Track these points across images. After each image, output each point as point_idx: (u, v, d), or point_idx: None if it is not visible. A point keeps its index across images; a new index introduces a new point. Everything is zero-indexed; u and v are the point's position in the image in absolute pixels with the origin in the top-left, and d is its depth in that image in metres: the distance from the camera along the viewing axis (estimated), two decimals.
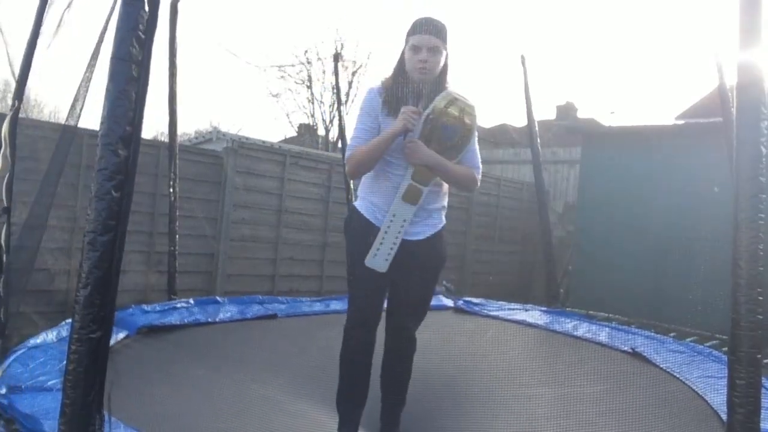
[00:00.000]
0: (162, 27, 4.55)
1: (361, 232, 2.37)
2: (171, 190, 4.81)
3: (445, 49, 2.36)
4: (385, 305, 2.50)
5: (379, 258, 2.29)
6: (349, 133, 6.03)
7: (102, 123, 1.35)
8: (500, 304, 5.32)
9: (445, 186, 2.46)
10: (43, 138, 4.70)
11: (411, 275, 2.37)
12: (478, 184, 2.46)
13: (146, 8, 1.35)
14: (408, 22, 2.39)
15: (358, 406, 2.40)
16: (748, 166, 1.60)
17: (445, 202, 2.50)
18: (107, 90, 1.35)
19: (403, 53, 2.39)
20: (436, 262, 2.48)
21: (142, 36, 1.35)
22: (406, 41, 2.36)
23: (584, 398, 2.95)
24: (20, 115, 3.75)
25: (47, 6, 2.71)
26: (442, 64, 2.36)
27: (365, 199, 2.43)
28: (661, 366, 3.55)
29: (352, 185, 5.43)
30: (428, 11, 2.37)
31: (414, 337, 2.52)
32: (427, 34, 2.30)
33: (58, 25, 2.86)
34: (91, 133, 4.82)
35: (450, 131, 2.30)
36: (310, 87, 15.57)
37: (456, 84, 2.42)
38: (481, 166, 2.46)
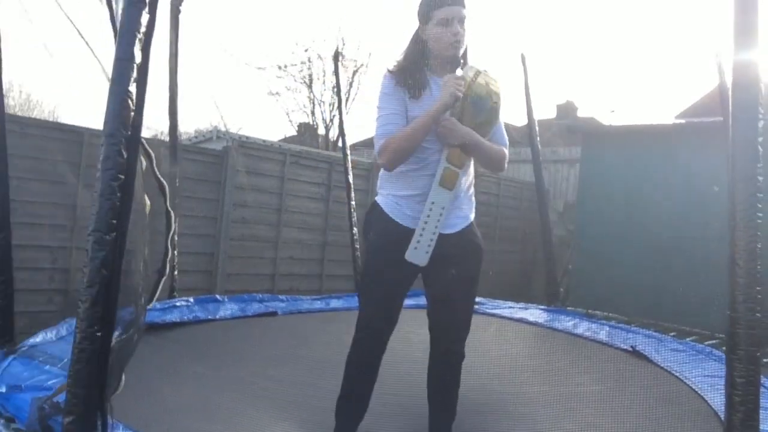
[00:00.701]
0: (164, 28, 4.57)
1: (381, 230, 2.21)
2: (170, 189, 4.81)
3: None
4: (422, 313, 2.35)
5: (420, 251, 2.12)
6: (349, 133, 6.04)
7: (106, 123, 1.36)
8: (500, 303, 5.33)
9: (471, 173, 2.29)
10: (42, 137, 4.71)
11: (449, 273, 2.18)
12: (507, 162, 2.31)
13: (147, 9, 1.36)
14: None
15: (356, 420, 2.27)
16: (745, 166, 1.61)
17: (473, 190, 2.34)
18: (110, 90, 1.37)
19: (416, 33, 2.20)
20: (475, 255, 2.27)
21: (144, 37, 1.36)
22: (429, 17, 2.15)
23: (584, 396, 2.95)
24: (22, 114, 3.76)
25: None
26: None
27: (389, 194, 2.23)
28: (661, 364, 3.55)
29: (352, 184, 5.42)
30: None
31: (462, 343, 2.29)
32: (456, 4, 2.12)
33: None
34: (92, 133, 4.83)
35: (480, 106, 2.14)
36: (310, 86, 15.57)
37: (477, 59, 2.27)
38: (508, 142, 2.31)
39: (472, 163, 2.28)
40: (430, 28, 2.16)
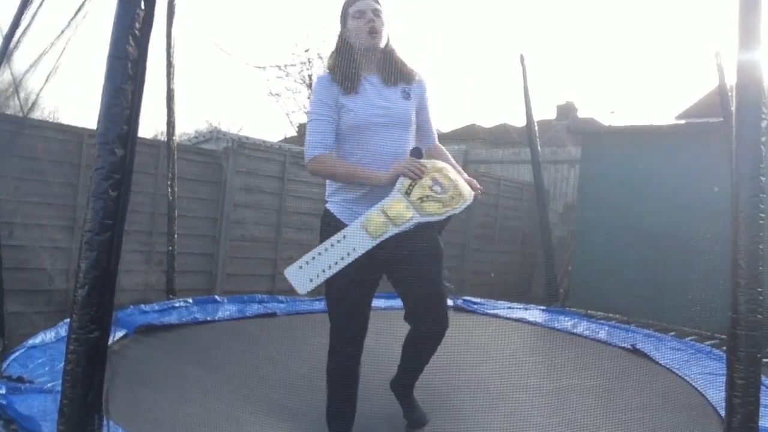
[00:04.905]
0: (161, 26, 4.57)
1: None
2: (169, 189, 4.81)
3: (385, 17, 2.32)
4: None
5: (303, 275, 1.96)
6: None
7: (99, 122, 1.34)
8: (500, 303, 5.32)
9: None
10: (43, 138, 4.70)
11: (408, 269, 2.21)
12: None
13: (142, 6, 1.35)
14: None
15: (348, 424, 2.31)
16: (748, 166, 1.60)
17: None
18: (103, 89, 1.35)
19: (341, 34, 2.34)
20: (432, 245, 2.27)
21: (138, 34, 1.34)
22: (345, 16, 2.32)
23: (584, 395, 2.95)
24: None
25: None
26: (386, 33, 2.31)
27: (338, 197, 2.27)
28: (661, 363, 3.56)
29: None
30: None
31: (445, 321, 2.32)
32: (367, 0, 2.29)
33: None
34: (90, 133, 4.82)
35: (438, 186, 2.14)
36: (310, 87, 15.57)
37: (400, 50, 2.36)
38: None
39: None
40: (349, 25, 2.30)
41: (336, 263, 1.98)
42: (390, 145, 2.22)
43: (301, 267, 1.97)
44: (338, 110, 2.23)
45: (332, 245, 2.00)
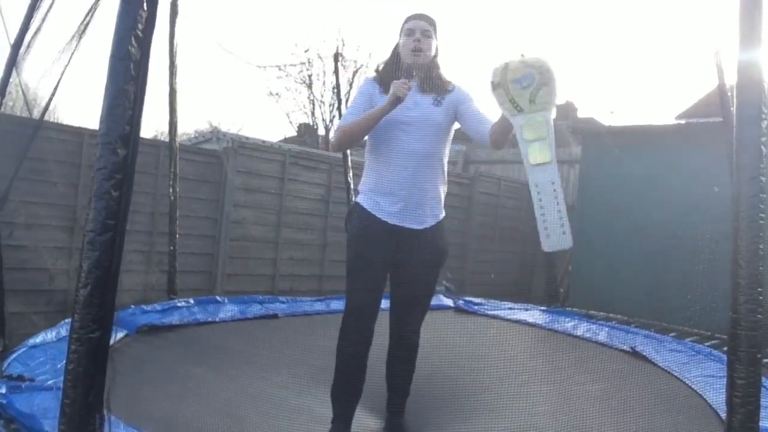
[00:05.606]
0: (162, 26, 4.57)
1: (362, 225, 2.44)
2: (171, 189, 4.82)
3: (436, 39, 2.53)
4: (386, 304, 2.51)
5: (553, 236, 1.96)
6: None
7: (101, 122, 1.35)
8: (500, 304, 5.32)
9: (443, 177, 2.51)
10: (42, 137, 4.70)
11: (412, 267, 2.43)
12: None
13: (145, 7, 1.35)
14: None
15: (353, 401, 2.44)
16: (748, 167, 1.60)
17: (444, 190, 2.54)
18: (106, 89, 1.36)
19: (396, 44, 2.57)
20: (438, 254, 2.51)
21: (141, 35, 1.35)
22: (401, 32, 2.55)
23: (584, 396, 2.95)
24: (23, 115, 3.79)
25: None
26: (434, 50, 2.53)
27: (368, 196, 2.47)
28: (661, 365, 3.56)
29: (352, 184, 5.42)
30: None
31: (418, 333, 2.58)
32: (419, 19, 2.52)
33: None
34: (91, 133, 4.82)
35: (523, 80, 2.11)
36: (310, 87, 15.59)
37: (449, 75, 2.57)
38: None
39: (444, 165, 2.51)
40: (400, 39, 2.55)
41: (557, 205, 1.99)
42: (408, 140, 2.40)
43: (548, 236, 1.97)
44: (372, 106, 2.44)
45: (540, 201, 1.98)
